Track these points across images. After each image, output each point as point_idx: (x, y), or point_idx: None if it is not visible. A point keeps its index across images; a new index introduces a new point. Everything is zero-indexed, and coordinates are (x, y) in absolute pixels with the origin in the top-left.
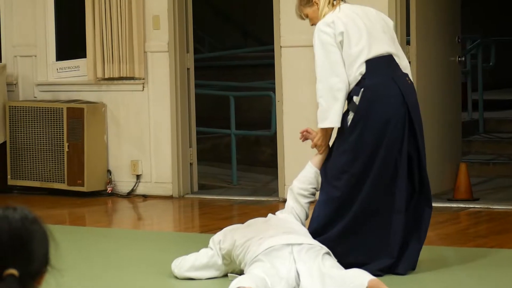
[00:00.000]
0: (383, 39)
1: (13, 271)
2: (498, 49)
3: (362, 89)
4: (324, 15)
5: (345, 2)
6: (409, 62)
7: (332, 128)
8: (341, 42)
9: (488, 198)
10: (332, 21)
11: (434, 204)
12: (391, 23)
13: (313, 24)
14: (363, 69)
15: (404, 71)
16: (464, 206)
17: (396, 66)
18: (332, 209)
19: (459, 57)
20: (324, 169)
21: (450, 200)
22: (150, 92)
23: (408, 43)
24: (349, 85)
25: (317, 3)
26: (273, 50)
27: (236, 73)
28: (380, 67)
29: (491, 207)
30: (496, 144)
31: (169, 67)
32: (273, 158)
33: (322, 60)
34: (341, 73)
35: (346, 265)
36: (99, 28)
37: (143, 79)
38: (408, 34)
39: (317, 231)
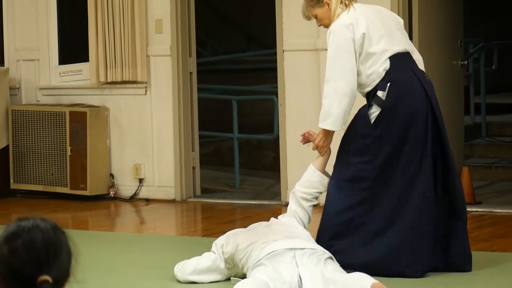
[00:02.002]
0: (400, 37)
1: (48, 278)
2: (501, 52)
3: (389, 84)
4: (337, 16)
5: (356, 1)
6: None
7: (334, 131)
8: (362, 44)
9: (491, 201)
10: (351, 23)
11: None
12: (402, 21)
13: (322, 25)
14: (387, 65)
15: (420, 67)
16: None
17: (414, 63)
18: (354, 211)
19: (461, 61)
20: (341, 166)
21: None
22: (153, 96)
23: None
24: (372, 82)
25: (328, 3)
26: (275, 54)
27: (239, 77)
28: (402, 63)
29: (493, 210)
30: (499, 148)
31: (171, 71)
32: (276, 161)
33: (334, 62)
34: (350, 79)
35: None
36: (101, 32)
37: (146, 83)
38: (410, 38)
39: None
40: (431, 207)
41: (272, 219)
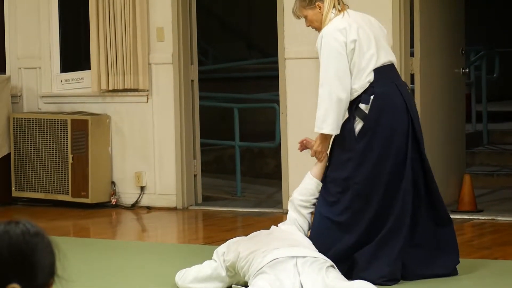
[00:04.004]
0: (386, 48)
1: (15, 286)
2: (502, 60)
3: (372, 97)
4: (329, 20)
5: (348, 7)
6: (413, 74)
7: (332, 135)
8: (353, 50)
9: (492, 209)
10: (344, 28)
11: None
12: (385, 31)
13: (311, 26)
14: (371, 77)
15: None
16: (468, 217)
17: (398, 74)
18: (336, 221)
19: (463, 69)
20: (326, 177)
21: (454, 211)
22: (154, 103)
23: (412, 54)
24: (354, 92)
25: (320, 6)
26: (277, 62)
27: (240, 85)
28: (386, 76)
29: (495, 218)
30: (500, 156)
31: (173, 79)
32: (277, 169)
33: (328, 66)
34: (345, 82)
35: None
36: (103, 40)
37: (147, 91)
38: (412, 46)
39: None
40: (408, 217)
41: (273, 227)
